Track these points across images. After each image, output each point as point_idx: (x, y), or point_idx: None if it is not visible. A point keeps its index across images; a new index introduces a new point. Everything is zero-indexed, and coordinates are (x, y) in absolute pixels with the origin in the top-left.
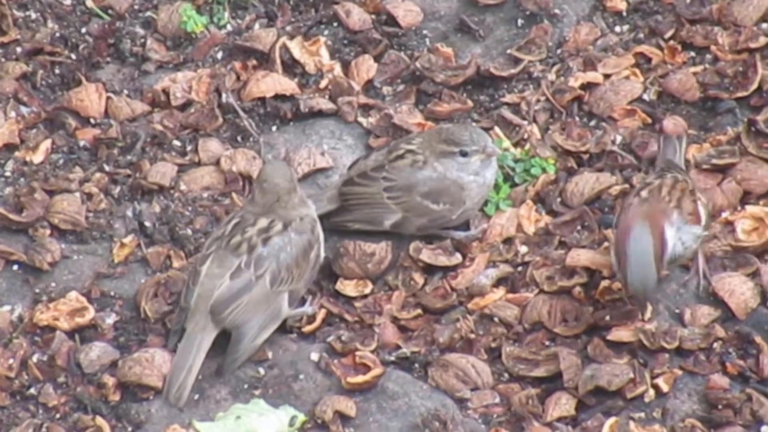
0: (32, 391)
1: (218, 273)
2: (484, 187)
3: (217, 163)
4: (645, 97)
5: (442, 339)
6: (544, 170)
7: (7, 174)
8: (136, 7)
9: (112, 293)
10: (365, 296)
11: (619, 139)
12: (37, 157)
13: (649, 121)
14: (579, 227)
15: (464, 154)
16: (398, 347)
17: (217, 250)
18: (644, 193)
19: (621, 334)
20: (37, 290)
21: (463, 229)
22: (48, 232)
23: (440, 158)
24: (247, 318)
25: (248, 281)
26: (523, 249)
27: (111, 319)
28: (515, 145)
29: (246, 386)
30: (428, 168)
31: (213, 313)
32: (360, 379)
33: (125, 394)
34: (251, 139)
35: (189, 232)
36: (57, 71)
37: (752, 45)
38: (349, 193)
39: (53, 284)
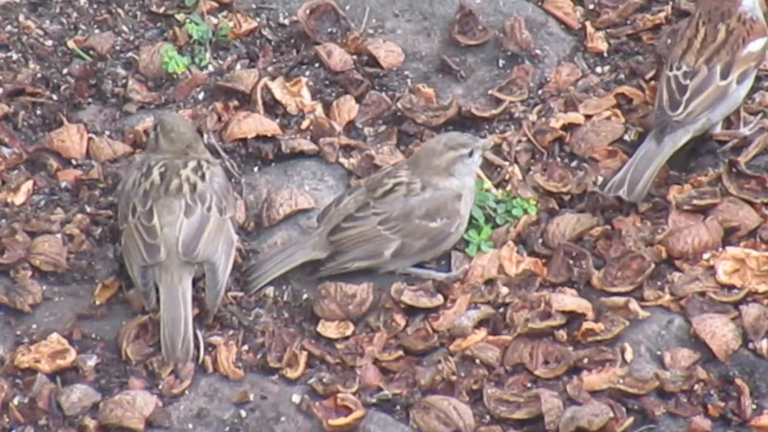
0: None
1: (171, 219)
2: (472, 191)
3: None
4: (626, 137)
5: (424, 381)
6: (525, 211)
7: None
8: (117, 47)
9: (93, 335)
10: (347, 338)
11: (600, 180)
12: (19, 198)
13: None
14: (561, 269)
15: (471, 154)
16: (380, 389)
17: (157, 200)
18: None
19: (593, 380)
20: (18, 332)
21: (445, 270)
22: (29, 273)
23: (450, 168)
24: (214, 248)
25: (202, 214)
26: (505, 290)
27: (92, 361)
28: (497, 186)
29: (227, 429)
30: (425, 191)
31: (185, 254)
32: (341, 421)
33: None
34: (233, 180)
35: None
36: (38, 112)
37: None
38: (341, 239)
39: (34, 326)
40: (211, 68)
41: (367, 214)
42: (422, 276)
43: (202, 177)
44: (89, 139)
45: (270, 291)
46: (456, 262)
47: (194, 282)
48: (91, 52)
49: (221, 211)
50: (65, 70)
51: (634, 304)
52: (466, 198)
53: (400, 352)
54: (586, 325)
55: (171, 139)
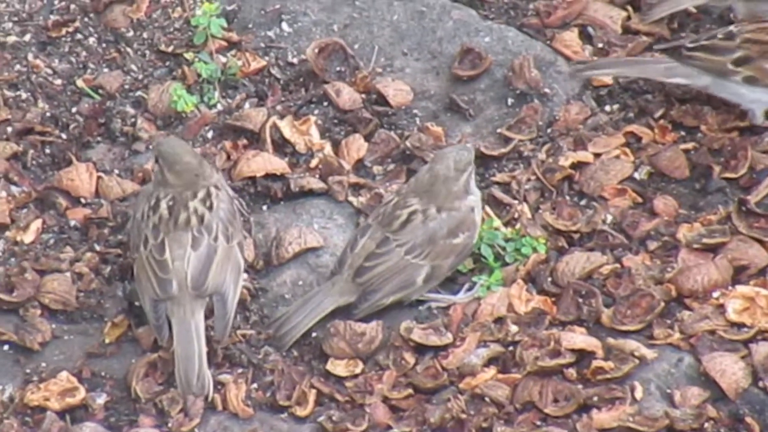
0: None
1: (180, 253)
2: (479, 196)
3: None
4: (636, 176)
5: (433, 419)
6: (534, 249)
7: None
8: (126, 86)
9: (102, 373)
10: (356, 376)
11: (609, 218)
12: (28, 237)
13: (640, 200)
14: (570, 307)
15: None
16: (389, 427)
17: (168, 234)
18: None
19: (603, 419)
20: (27, 370)
21: (455, 291)
22: (38, 311)
23: (468, 187)
24: (222, 279)
25: (209, 245)
26: (514, 328)
27: (102, 399)
28: (506, 224)
29: None
30: (441, 213)
31: (195, 288)
32: None
33: None
34: (242, 218)
35: None
36: (47, 151)
37: (741, 124)
38: (370, 278)
39: (44, 364)
40: (219, 107)
41: (391, 247)
42: (438, 300)
43: (210, 207)
44: (98, 177)
45: (269, 322)
46: (465, 286)
47: (206, 315)
48: (100, 91)
49: (228, 238)
50: (74, 109)
51: (642, 350)
52: (478, 206)
53: (410, 390)
54: (595, 363)
55: (177, 172)
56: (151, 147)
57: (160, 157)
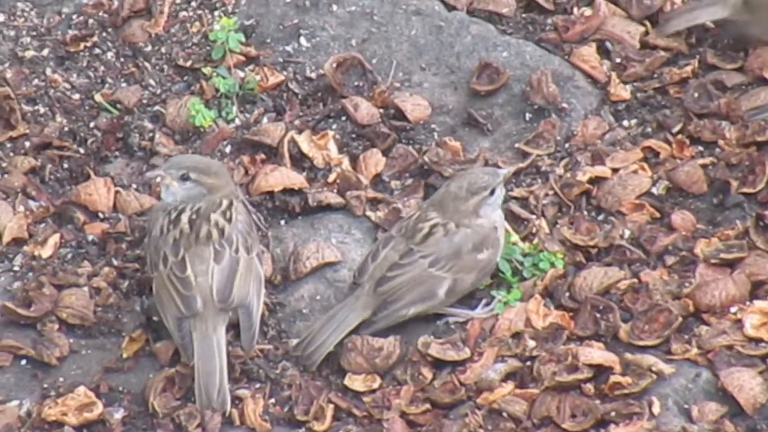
0: None
1: (203, 269)
2: (503, 218)
3: None
4: (653, 191)
5: None
6: (552, 264)
7: (16, 268)
8: (144, 101)
9: (120, 388)
10: (374, 391)
11: (627, 233)
12: (46, 252)
13: (658, 215)
14: (588, 322)
15: (492, 192)
16: None
17: (188, 249)
18: None
19: None
20: (45, 385)
21: (473, 306)
22: (56, 326)
23: (478, 211)
24: (246, 291)
25: (231, 258)
26: (532, 343)
27: (119, 414)
28: (523, 239)
29: None
30: (461, 229)
31: (221, 301)
32: None
33: None
34: (260, 233)
35: None
36: (65, 165)
37: (759, 138)
38: (391, 288)
39: (61, 379)
40: (237, 122)
41: (414, 258)
42: (456, 314)
43: (229, 219)
44: (116, 192)
45: (296, 343)
46: (483, 301)
47: (227, 329)
48: (118, 106)
49: (248, 249)
50: (92, 124)
51: (660, 365)
52: (501, 227)
53: (427, 405)
54: (613, 378)
55: (217, 173)
56: (159, 177)
57: (193, 171)
